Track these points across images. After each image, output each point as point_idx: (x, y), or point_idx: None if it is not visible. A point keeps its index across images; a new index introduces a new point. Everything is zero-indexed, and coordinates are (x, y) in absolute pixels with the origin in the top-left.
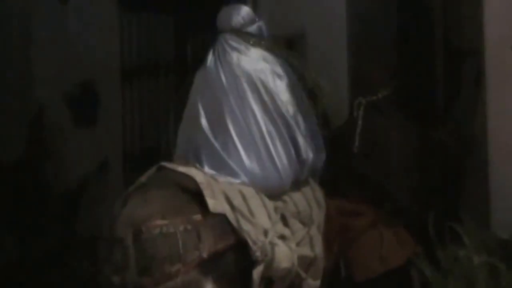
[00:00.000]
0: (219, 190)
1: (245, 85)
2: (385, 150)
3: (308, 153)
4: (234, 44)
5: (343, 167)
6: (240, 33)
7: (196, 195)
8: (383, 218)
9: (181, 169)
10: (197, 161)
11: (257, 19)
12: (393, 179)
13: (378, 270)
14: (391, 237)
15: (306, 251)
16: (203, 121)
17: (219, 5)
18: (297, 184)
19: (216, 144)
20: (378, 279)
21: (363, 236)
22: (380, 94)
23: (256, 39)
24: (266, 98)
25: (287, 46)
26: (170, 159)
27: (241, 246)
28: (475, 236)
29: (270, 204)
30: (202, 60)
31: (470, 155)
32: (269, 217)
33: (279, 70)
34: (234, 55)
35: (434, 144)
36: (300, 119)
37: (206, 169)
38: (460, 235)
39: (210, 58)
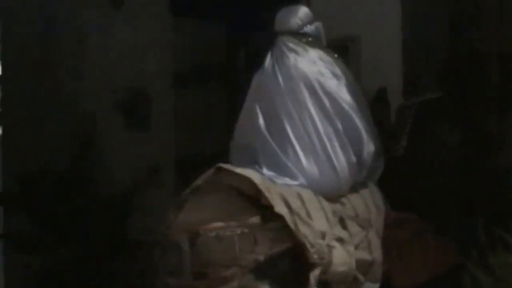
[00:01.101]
0: (277, 192)
1: (303, 87)
2: (433, 152)
3: (368, 155)
4: (291, 45)
5: (390, 168)
6: (298, 34)
7: (253, 198)
8: (427, 225)
9: (239, 170)
10: (254, 163)
11: (315, 19)
12: (439, 182)
13: (421, 278)
14: (434, 245)
15: (364, 254)
16: (261, 123)
17: (271, 10)
18: (356, 187)
19: (274, 146)
20: (421, 287)
21: (406, 245)
22: (430, 95)
23: (313, 40)
24: (324, 99)
25: (340, 49)
26: (221, 163)
27: (298, 250)
28: None
29: (328, 206)
30: (254, 65)
31: None
32: (327, 220)
33: (337, 70)
34: (292, 57)
35: (485, 149)
36: (360, 120)
37: (264, 170)
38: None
39: (267, 60)
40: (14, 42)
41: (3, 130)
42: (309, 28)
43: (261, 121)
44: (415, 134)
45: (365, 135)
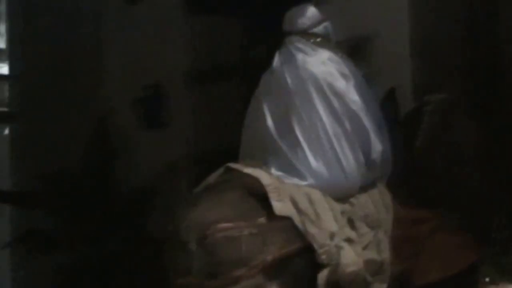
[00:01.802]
0: (286, 192)
1: (311, 87)
2: (450, 149)
3: (377, 156)
4: (300, 45)
5: (406, 165)
6: (306, 34)
7: (262, 198)
8: (446, 222)
9: (248, 170)
10: (263, 163)
11: (323, 19)
12: (457, 179)
13: (439, 275)
14: (453, 242)
15: (373, 255)
16: (269, 123)
17: (287, 7)
18: (364, 187)
19: (283, 146)
20: (439, 284)
21: (427, 242)
22: (448, 94)
23: (322, 40)
24: (333, 100)
25: (351, 49)
26: (230, 163)
27: (307, 250)
28: None
29: (337, 207)
30: (268, 62)
31: None
32: (336, 220)
33: (345, 70)
34: (300, 57)
35: (501, 147)
36: (368, 120)
37: (273, 170)
38: None
39: (276, 60)
40: (31, 40)
41: (21, 129)
42: (317, 28)
43: (269, 121)
44: (432, 131)
45: (373, 136)
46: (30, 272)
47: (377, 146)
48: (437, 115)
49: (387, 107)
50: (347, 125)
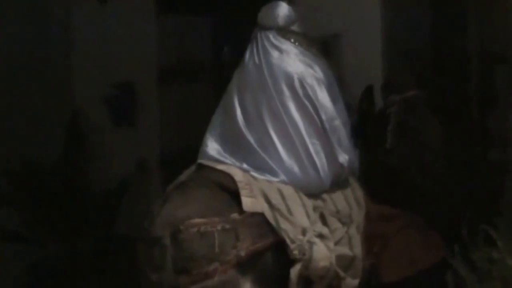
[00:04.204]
0: (258, 188)
1: (284, 85)
2: (417, 148)
3: (345, 156)
4: (276, 42)
5: (373, 165)
6: (281, 30)
7: (235, 194)
8: (413, 219)
9: (221, 167)
10: (233, 158)
11: (298, 17)
12: (425, 178)
13: (407, 272)
14: (420, 238)
15: (344, 250)
16: (240, 118)
17: (259, 7)
18: (337, 183)
19: (254, 142)
20: (407, 281)
21: (392, 239)
22: (412, 92)
23: (296, 37)
24: (304, 99)
25: (322, 47)
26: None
27: (280, 246)
28: (509, 237)
29: (309, 202)
30: (239, 61)
31: (503, 155)
32: (308, 216)
33: (317, 69)
34: (275, 54)
35: (467, 145)
36: (337, 122)
37: (245, 166)
38: (493, 237)
39: (248, 55)
40: (1, 37)
41: None
42: (293, 26)
43: (240, 117)
44: (399, 131)
45: (344, 134)
46: None
47: (348, 144)
48: (401, 116)
49: (364, 106)
50: (319, 123)
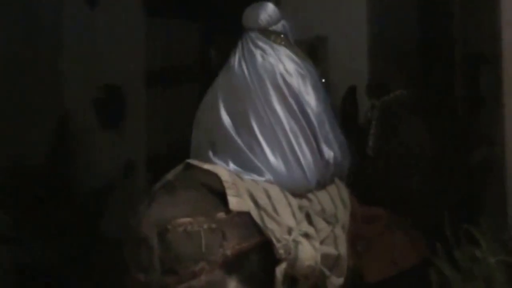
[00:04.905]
0: (244, 188)
1: (269, 85)
2: (400, 151)
3: (330, 153)
4: (259, 42)
5: (358, 168)
6: (265, 31)
7: (222, 194)
8: (396, 219)
9: (207, 166)
10: (219, 158)
11: (282, 17)
12: (408, 180)
13: (388, 273)
14: (403, 239)
15: (330, 249)
16: (224, 118)
17: (244, 10)
18: (322, 183)
19: (240, 142)
20: (390, 280)
21: (375, 239)
22: (392, 94)
23: (281, 38)
24: (290, 97)
25: (308, 49)
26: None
27: (266, 245)
28: (492, 236)
29: (294, 202)
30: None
31: (486, 156)
32: (294, 215)
33: (302, 69)
34: (258, 54)
35: (450, 146)
36: (323, 118)
37: (231, 165)
38: (476, 236)
39: (234, 56)
40: None
41: None
42: (276, 26)
43: (224, 116)
44: (383, 132)
45: (330, 134)
46: None
47: (333, 144)
48: (381, 119)
49: (347, 106)
50: (304, 122)
